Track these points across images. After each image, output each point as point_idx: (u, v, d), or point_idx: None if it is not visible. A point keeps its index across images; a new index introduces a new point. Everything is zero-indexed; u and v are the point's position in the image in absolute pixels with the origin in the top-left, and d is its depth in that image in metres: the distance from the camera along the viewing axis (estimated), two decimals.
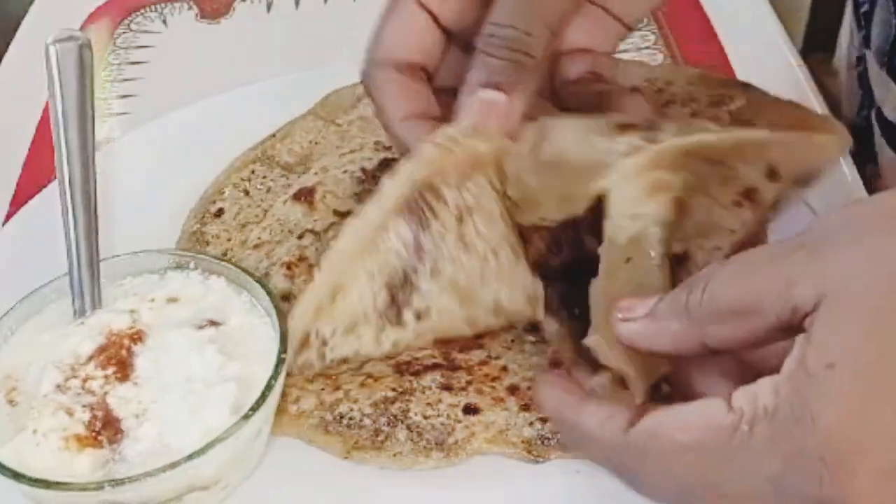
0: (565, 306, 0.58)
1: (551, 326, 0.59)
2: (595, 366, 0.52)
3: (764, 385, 0.40)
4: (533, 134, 0.55)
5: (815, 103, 0.77)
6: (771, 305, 0.41)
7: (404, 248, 0.56)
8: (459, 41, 0.57)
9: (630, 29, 0.62)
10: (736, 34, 0.86)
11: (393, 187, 0.55)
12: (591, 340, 0.51)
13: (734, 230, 0.57)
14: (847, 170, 0.69)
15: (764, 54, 0.82)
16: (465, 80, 0.53)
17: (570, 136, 0.55)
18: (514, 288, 0.58)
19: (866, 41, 0.78)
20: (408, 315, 0.58)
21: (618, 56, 0.64)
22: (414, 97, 0.56)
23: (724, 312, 0.42)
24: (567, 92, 0.60)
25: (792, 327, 0.40)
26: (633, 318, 0.46)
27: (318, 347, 0.58)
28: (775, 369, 0.40)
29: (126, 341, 0.56)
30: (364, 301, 0.58)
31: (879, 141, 0.78)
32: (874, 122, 0.79)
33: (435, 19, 0.56)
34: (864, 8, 0.78)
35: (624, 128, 0.54)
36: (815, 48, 1.36)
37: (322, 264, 0.57)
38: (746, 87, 0.62)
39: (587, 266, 0.55)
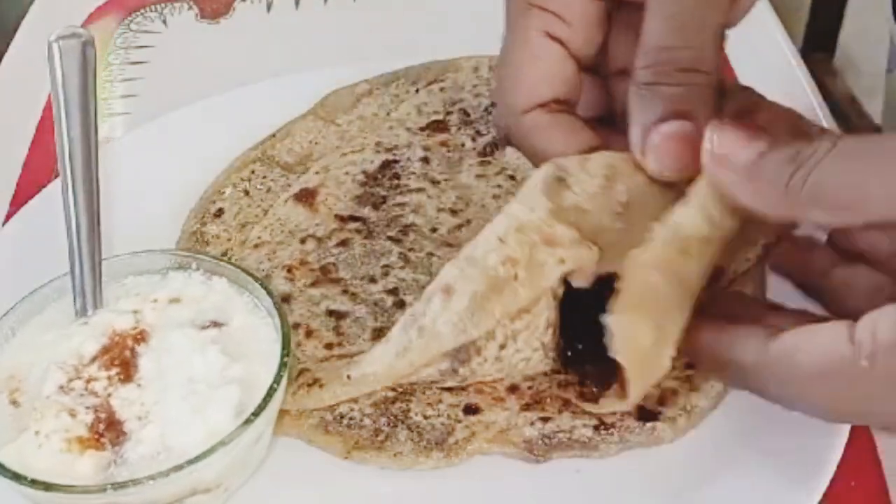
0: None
1: None
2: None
3: (886, 316, 0.40)
4: (601, 169, 0.52)
5: (815, 103, 0.77)
6: (877, 203, 0.40)
7: (439, 374, 0.57)
8: (587, 68, 0.54)
9: None
10: (736, 34, 0.86)
11: (450, 332, 0.53)
12: (612, 320, 0.48)
13: (765, 242, 0.58)
14: None
15: (764, 54, 0.82)
16: (634, 119, 0.49)
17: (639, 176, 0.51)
18: (534, 373, 0.58)
19: None
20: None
21: None
22: (578, 132, 0.53)
23: (827, 202, 0.42)
24: None
25: None
26: (731, 166, 0.44)
27: None
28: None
29: (130, 342, 0.56)
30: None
31: None
32: None
33: (566, 48, 0.53)
34: None
35: None
36: (815, 48, 1.37)
37: (353, 376, 0.57)
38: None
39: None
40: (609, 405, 0.54)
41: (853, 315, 0.43)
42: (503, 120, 0.54)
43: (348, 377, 0.57)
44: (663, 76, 0.47)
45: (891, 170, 0.40)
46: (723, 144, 0.44)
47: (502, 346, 0.55)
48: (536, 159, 0.53)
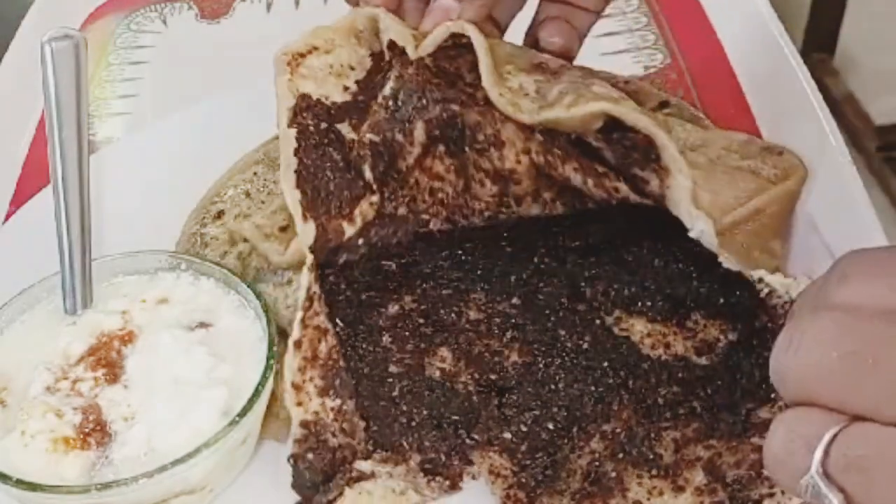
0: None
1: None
2: None
3: None
4: None
5: (815, 103, 0.76)
6: None
7: None
8: None
9: (596, 14, 0.67)
10: (736, 34, 0.86)
11: None
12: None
13: None
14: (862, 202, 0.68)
15: (764, 54, 0.82)
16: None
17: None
18: None
19: None
20: None
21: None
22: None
23: None
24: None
25: None
26: None
27: None
28: None
29: (117, 343, 0.56)
30: None
31: None
32: None
33: None
34: None
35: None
36: (815, 48, 1.37)
37: None
38: (781, 152, 0.61)
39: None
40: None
41: None
42: None
43: None
44: None
45: None
46: None
47: None
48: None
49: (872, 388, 0.36)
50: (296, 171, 0.58)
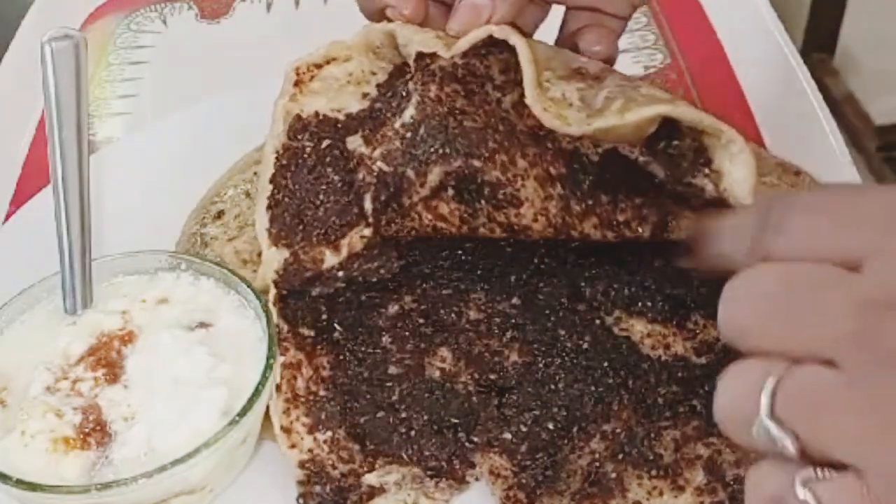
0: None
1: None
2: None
3: None
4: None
5: (815, 103, 0.77)
6: None
7: None
8: None
9: (625, 20, 0.64)
10: (736, 34, 0.86)
11: None
12: None
13: None
14: None
15: (764, 54, 0.82)
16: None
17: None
18: None
19: None
20: None
21: None
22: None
23: None
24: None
25: None
26: None
27: None
28: None
29: (117, 343, 0.56)
30: None
31: None
32: None
33: None
34: None
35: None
36: (815, 48, 1.37)
37: None
38: (799, 173, 0.60)
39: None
40: None
41: None
42: None
43: None
44: None
45: None
46: None
47: None
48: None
49: (810, 330, 0.37)
50: (268, 198, 0.58)
